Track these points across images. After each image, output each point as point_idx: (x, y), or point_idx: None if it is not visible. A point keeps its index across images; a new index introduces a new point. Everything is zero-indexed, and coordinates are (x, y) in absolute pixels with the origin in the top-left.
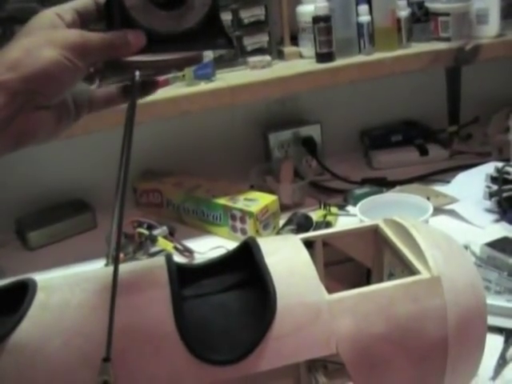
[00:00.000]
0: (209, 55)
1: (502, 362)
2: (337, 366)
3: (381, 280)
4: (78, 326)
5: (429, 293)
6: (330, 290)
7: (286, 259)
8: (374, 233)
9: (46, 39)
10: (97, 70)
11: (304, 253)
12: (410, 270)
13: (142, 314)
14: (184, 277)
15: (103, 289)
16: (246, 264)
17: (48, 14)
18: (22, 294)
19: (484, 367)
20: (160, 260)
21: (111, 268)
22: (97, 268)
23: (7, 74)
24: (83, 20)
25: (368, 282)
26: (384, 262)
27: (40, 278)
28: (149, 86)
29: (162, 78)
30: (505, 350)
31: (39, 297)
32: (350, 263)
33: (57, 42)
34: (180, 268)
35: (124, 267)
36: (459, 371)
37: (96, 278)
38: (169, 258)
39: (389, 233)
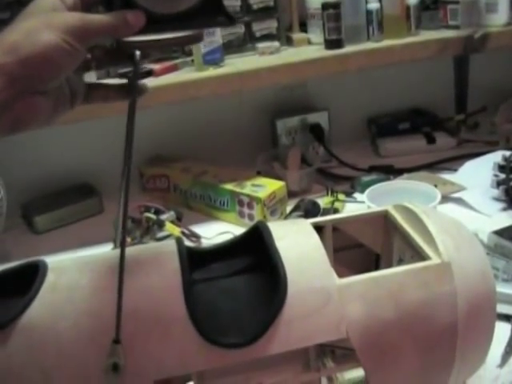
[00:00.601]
0: (217, 40)
1: (510, 350)
2: (345, 351)
3: (390, 266)
4: (87, 307)
5: (439, 278)
6: (339, 276)
7: (297, 243)
8: (384, 218)
9: (45, 22)
10: (93, 56)
11: (315, 237)
12: (420, 256)
13: (152, 297)
14: (193, 260)
15: (113, 270)
16: (255, 248)
17: None
18: (32, 275)
19: (491, 355)
20: (171, 243)
21: (119, 251)
22: (107, 250)
23: (5, 58)
24: (85, 3)
25: (377, 268)
26: (393, 248)
27: (50, 259)
28: (143, 87)
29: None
30: None
31: (49, 278)
32: (359, 249)
33: (56, 25)
34: (190, 251)
35: (135, 250)
36: (468, 357)
37: (105, 260)
38: (179, 241)
39: (399, 218)
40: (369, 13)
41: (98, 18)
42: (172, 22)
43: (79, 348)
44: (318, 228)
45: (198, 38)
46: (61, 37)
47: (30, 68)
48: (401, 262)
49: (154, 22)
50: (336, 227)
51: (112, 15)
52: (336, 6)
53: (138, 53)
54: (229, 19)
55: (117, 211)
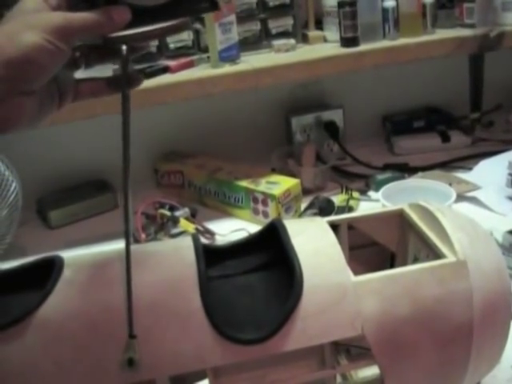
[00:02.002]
0: (234, 37)
1: None
2: (360, 350)
3: (405, 264)
4: (103, 302)
5: (455, 276)
6: (354, 274)
7: (312, 240)
8: (399, 217)
9: (27, 24)
10: (82, 54)
11: (330, 234)
12: (436, 254)
13: (168, 291)
14: (209, 257)
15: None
16: (270, 246)
17: None
18: (48, 270)
19: (506, 355)
20: (187, 239)
21: (136, 247)
22: (121, 246)
23: None
24: (69, 3)
25: (392, 267)
26: (408, 247)
27: (66, 255)
28: (135, 78)
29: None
30: None
31: (66, 273)
32: (374, 247)
33: (38, 26)
34: (205, 248)
35: (152, 245)
36: (484, 356)
37: (120, 256)
38: (195, 237)
39: (414, 217)
40: (385, 11)
41: (82, 16)
42: (157, 12)
43: (95, 343)
44: (334, 226)
45: (182, 27)
46: (43, 37)
47: (14, 70)
48: (416, 260)
49: (140, 15)
50: (351, 225)
51: (96, 12)
52: (352, 4)
53: (124, 47)
54: (212, 5)
55: (132, 207)
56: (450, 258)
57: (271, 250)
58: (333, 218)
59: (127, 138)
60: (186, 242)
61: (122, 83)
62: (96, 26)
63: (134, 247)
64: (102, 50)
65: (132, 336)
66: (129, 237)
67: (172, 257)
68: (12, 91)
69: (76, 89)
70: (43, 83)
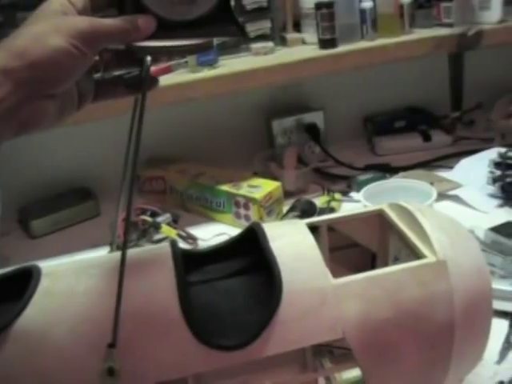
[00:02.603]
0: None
1: (507, 346)
2: (343, 351)
3: (386, 265)
4: (83, 311)
5: (435, 277)
6: (335, 275)
7: (292, 243)
8: (379, 217)
9: (54, 27)
10: (102, 59)
11: (309, 237)
12: (416, 254)
13: (147, 300)
14: (189, 263)
15: (109, 274)
16: (251, 249)
17: (58, 0)
18: (26, 280)
19: (489, 351)
20: (165, 246)
21: (116, 254)
22: (102, 254)
23: (14, 62)
24: (95, 6)
25: (373, 267)
26: (389, 247)
27: (44, 264)
28: (153, 81)
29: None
30: (510, 333)
31: (43, 283)
32: (354, 248)
33: (65, 30)
34: (185, 254)
35: (129, 253)
36: (466, 355)
37: (101, 264)
38: (174, 243)
39: (394, 217)
40: (362, 12)
41: (108, 23)
42: (183, 29)
43: (76, 353)
44: (314, 228)
45: (207, 47)
46: (69, 41)
47: (39, 73)
48: (397, 260)
49: (165, 29)
50: (331, 227)
51: (123, 19)
52: (329, 6)
53: (148, 58)
54: (239, 29)
55: (114, 214)
56: (430, 259)
57: (251, 254)
58: (312, 219)
59: (138, 144)
60: (164, 249)
61: (142, 92)
62: (122, 34)
63: (111, 255)
64: (124, 57)
65: (111, 345)
66: (126, 245)
67: (150, 264)
68: (35, 94)
69: (95, 90)
70: (67, 87)
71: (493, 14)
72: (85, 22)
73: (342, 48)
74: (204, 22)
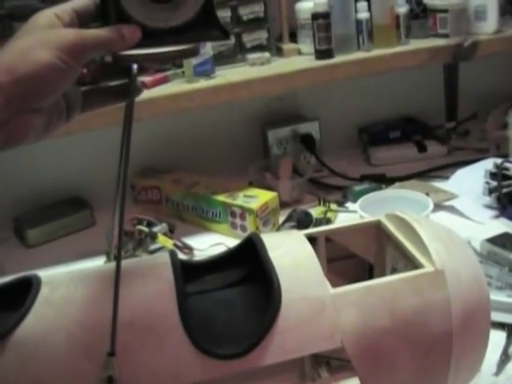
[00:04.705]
0: (208, 52)
1: (505, 358)
2: (340, 362)
3: (383, 275)
4: (81, 320)
5: (433, 286)
6: (333, 287)
7: (290, 253)
8: (377, 228)
9: (40, 40)
10: (89, 70)
11: (307, 247)
12: (413, 264)
13: (145, 309)
14: (187, 273)
15: (107, 283)
16: (249, 260)
17: (46, 14)
18: (26, 290)
19: (487, 363)
20: (164, 256)
21: (112, 264)
22: (101, 264)
23: (2, 78)
24: (82, 19)
25: (371, 278)
26: (386, 258)
27: (44, 273)
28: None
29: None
30: (507, 345)
31: (43, 292)
32: (352, 259)
33: (51, 43)
34: (183, 264)
35: (128, 262)
36: (464, 365)
37: (99, 273)
38: (173, 253)
39: (391, 228)
40: (358, 22)
41: (94, 33)
42: (167, 35)
43: (73, 361)
44: (311, 239)
45: (193, 52)
46: (56, 55)
47: (26, 87)
48: (394, 271)
49: (149, 36)
50: (329, 238)
51: (108, 30)
52: (326, 16)
53: (135, 66)
54: (223, 33)
55: (110, 223)
56: (428, 268)
57: (249, 264)
58: (310, 230)
59: (128, 151)
60: (164, 259)
61: (130, 100)
62: (108, 44)
63: (110, 265)
64: (110, 67)
65: (111, 354)
66: (120, 255)
67: (149, 274)
68: (22, 108)
69: (83, 101)
70: (53, 101)
71: (488, 25)
72: (71, 34)
73: (338, 58)
74: (188, 28)
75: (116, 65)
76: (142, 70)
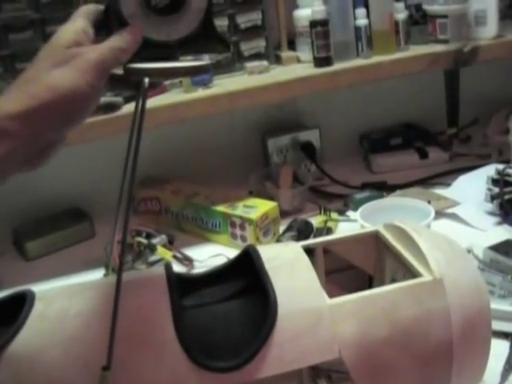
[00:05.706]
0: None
1: (509, 368)
2: (341, 375)
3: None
4: (77, 334)
5: (432, 295)
6: (331, 297)
7: (286, 264)
8: (375, 238)
9: (66, 65)
10: None
11: (304, 258)
12: (412, 274)
13: (141, 322)
14: (184, 287)
15: (102, 297)
16: (246, 272)
17: (69, 31)
18: (20, 305)
19: (490, 373)
20: (159, 269)
21: (109, 278)
22: (94, 278)
23: (32, 106)
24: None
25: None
26: (386, 268)
27: (38, 288)
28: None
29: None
30: (511, 355)
31: (37, 307)
32: (351, 270)
33: (78, 67)
34: (180, 278)
35: (123, 276)
36: (465, 374)
37: (94, 287)
38: (168, 266)
39: (389, 238)
40: (357, 29)
41: (108, 46)
42: (169, 48)
43: (69, 375)
44: (309, 250)
45: (205, 69)
46: (84, 78)
47: (59, 114)
48: (394, 281)
49: (152, 49)
50: (327, 249)
51: (114, 39)
52: (324, 24)
53: (146, 80)
54: (224, 46)
55: (110, 235)
56: (427, 277)
57: (247, 276)
58: (307, 242)
59: (135, 164)
60: (159, 272)
61: (140, 116)
62: (120, 51)
63: (104, 279)
64: (116, 80)
65: (106, 368)
66: (121, 269)
67: (144, 287)
68: (52, 135)
69: None
70: (83, 122)
71: (489, 30)
72: (94, 53)
73: (337, 66)
74: (190, 41)
75: (123, 78)
76: (153, 85)
